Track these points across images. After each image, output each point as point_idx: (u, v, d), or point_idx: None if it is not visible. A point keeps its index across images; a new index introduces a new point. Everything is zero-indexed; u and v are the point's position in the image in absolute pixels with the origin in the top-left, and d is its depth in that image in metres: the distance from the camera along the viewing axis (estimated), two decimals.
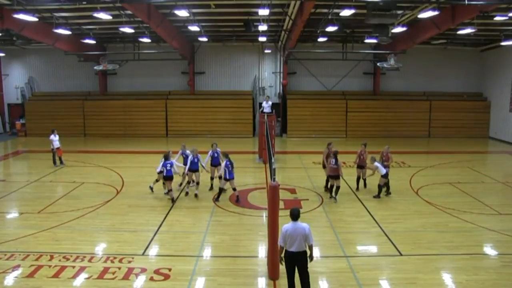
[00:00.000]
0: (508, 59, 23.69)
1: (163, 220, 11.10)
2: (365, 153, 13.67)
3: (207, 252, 9.25)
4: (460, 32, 18.59)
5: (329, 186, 13.28)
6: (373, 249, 9.60)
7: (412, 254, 8.95)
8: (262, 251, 9.20)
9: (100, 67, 23.60)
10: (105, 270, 8.16)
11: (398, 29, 17.33)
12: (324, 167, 13.68)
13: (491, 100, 26.05)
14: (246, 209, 12.09)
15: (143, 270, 8.17)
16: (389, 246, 9.43)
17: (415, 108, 26.23)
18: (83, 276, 7.93)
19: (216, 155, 13.68)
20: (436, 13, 14.24)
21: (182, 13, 15.73)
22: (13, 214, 11.87)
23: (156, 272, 8.11)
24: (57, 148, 17.59)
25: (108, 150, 21.75)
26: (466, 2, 13.20)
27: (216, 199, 12.67)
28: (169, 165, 12.40)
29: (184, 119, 26.45)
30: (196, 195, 12.92)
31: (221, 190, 12.76)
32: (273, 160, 8.92)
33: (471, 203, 12.68)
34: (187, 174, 13.19)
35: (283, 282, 7.65)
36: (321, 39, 21.10)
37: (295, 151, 21.73)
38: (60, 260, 8.53)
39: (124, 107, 26.41)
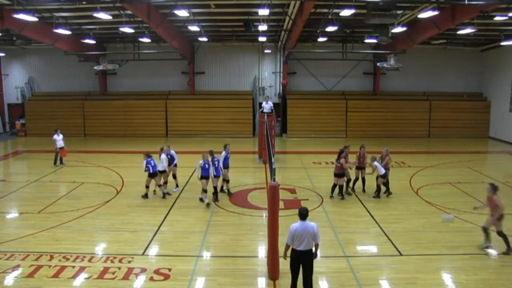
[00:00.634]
0: (508, 59, 23.69)
1: (163, 220, 11.10)
2: (365, 154, 13.58)
3: (207, 252, 9.25)
4: (460, 32, 18.59)
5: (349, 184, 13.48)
6: (373, 249, 9.60)
7: (412, 254, 8.95)
8: (262, 251, 9.20)
9: (100, 67, 23.62)
10: (105, 270, 8.16)
11: (398, 29, 17.34)
12: (357, 168, 13.60)
13: (491, 100, 26.06)
14: (246, 209, 12.09)
15: (143, 270, 8.17)
16: (389, 246, 9.43)
17: (415, 108, 26.24)
18: (83, 276, 7.93)
19: (228, 156, 13.48)
20: (436, 13, 14.24)
21: (182, 13, 15.73)
22: (13, 214, 11.87)
23: (156, 272, 8.11)
24: (61, 148, 17.60)
25: (108, 150, 21.75)
26: (466, 2, 13.21)
27: (215, 199, 12.66)
28: (152, 162, 12.57)
29: (184, 119, 26.45)
30: (208, 204, 12.18)
31: (215, 189, 12.72)
32: (273, 160, 8.92)
33: (471, 203, 12.60)
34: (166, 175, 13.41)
35: (283, 282, 7.66)
36: (321, 39, 21.11)
37: (295, 151, 21.73)
38: (60, 260, 8.53)
39: (124, 107, 26.42)
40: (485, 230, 9.21)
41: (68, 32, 18.92)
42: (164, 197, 12.99)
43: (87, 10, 16.67)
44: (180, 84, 27.52)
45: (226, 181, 13.39)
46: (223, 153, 13.25)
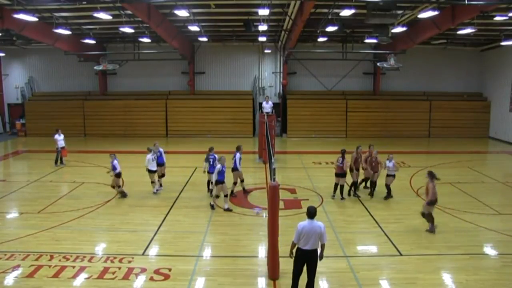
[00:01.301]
0: (508, 59, 23.69)
1: (163, 220, 11.10)
2: (376, 155, 12.91)
3: (207, 252, 9.25)
4: (460, 32, 18.58)
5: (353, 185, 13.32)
6: (373, 249, 9.60)
7: (412, 254, 8.96)
8: (262, 251, 9.20)
9: (100, 67, 23.62)
10: (105, 270, 8.16)
11: (398, 29, 17.34)
12: (351, 170, 13.12)
13: (491, 100, 26.05)
14: (246, 209, 12.09)
15: (143, 270, 8.17)
16: (389, 246, 9.43)
17: (415, 108, 26.23)
18: (83, 276, 7.93)
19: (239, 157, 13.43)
20: (436, 13, 14.24)
21: (182, 13, 15.72)
22: (13, 214, 11.87)
23: (156, 272, 8.12)
24: (62, 148, 17.62)
25: (108, 150, 21.65)
26: (466, 2, 13.20)
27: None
28: (116, 161, 12.71)
29: (184, 119, 26.44)
30: (229, 209, 11.96)
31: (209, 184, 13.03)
32: (273, 160, 8.92)
33: (471, 203, 12.68)
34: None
35: (283, 282, 7.66)
36: (321, 39, 21.10)
37: (295, 151, 21.73)
38: (60, 260, 8.53)
39: (124, 107, 26.41)
40: (423, 215, 10.21)
41: (68, 32, 18.91)
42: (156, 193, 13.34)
43: (87, 10, 16.67)
44: (180, 84, 27.51)
45: (241, 180, 13.47)
46: (238, 154, 13.25)
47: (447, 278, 7.98)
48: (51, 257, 8.65)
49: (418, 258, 8.77)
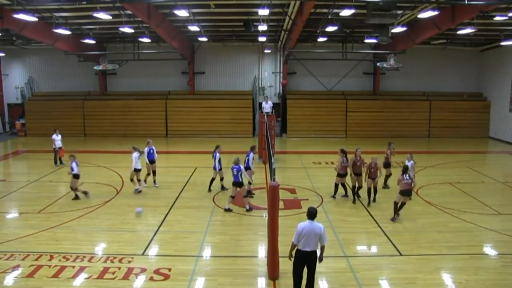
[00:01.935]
0: (508, 59, 23.69)
1: (163, 220, 11.10)
2: (376, 161, 12.25)
3: (207, 252, 9.25)
4: (460, 32, 18.58)
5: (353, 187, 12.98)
6: (373, 249, 9.60)
7: (412, 254, 8.96)
8: (262, 251, 9.20)
9: (100, 67, 23.60)
10: (105, 270, 8.16)
11: (398, 29, 17.34)
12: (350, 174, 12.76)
13: (491, 100, 26.05)
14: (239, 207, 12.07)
15: (143, 270, 8.17)
16: (389, 246, 9.43)
17: (415, 108, 26.23)
18: (83, 276, 7.93)
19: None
20: (436, 13, 14.24)
21: (182, 13, 15.72)
22: (13, 214, 11.87)
23: (156, 272, 8.11)
24: (59, 148, 17.62)
25: (108, 150, 21.76)
26: (466, 2, 13.20)
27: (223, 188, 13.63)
28: (74, 163, 12.68)
29: (184, 119, 26.44)
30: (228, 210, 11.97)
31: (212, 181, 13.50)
32: (273, 160, 8.92)
33: (471, 203, 12.68)
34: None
35: (283, 282, 7.66)
36: (321, 39, 21.11)
37: (295, 151, 21.73)
38: (60, 260, 8.53)
39: (124, 107, 26.42)
40: (396, 204, 10.96)
41: (68, 32, 18.91)
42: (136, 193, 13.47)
43: (87, 10, 16.66)
44: (180, 84, 27.51)
45: (249, 182, 12.94)
46: (251, 154, 13.25)
47: (447, 278, 7.98)
48: (51, 257, 8.65)
49: (418, 258, 8.77)
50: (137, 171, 13.48)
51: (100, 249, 9.31)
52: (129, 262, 8.52)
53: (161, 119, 26.50)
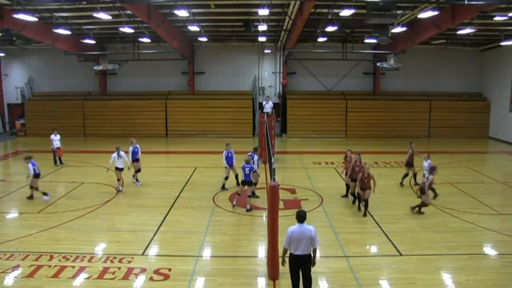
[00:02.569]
0: (508, 59, 23.68)
1: (163, 220, 11.10)
2: (368, 170, 11.48)
3: (207, 252, 9.25)
4: (460, 32, 18.58)
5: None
6: (373, 249, 9.61)
7: (412, 254, 8.95)
8: (262, 251, 9.20)
9: (100, 67, 23.61)
10: (105, 270, 8.15)
11: (398, 29, 17.33)
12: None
13: (491, 100, 26.05)
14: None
15: (143, 270, 8.17)
16: (389, 246, 9.43)
17: (415, 108, 26.23)
18: (83, 276, 7.93)
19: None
20: (436, 13, 14.24)
21: (182, 13, 15.72)
22: (13, 214, 11.87)
23: (156, 272, 8.11)
24: (58, 148, 17.61)
25: (108, 150, 21.64)
26: (466, 2, 13.20)
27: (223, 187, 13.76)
28: (31, 164, 12.61)
29: (184, 119, 26.45)
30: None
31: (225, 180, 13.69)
32: (273, 160, 8.92)
33: (471, 203, 12.67)
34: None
35: (283, 282, 7.65)
36: (321, 39, 21.09)
37: (295, 151, 21.72)
38: (60, 260, 8.53)
39: (124, 107, 26.42)
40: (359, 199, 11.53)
41: (68, 32, 18.90)
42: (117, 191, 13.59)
43: (87, 10, 16.66)
44: (180, 84, 27.51)
45: (254, 184, 12.64)
46: (255, 156, 13.17)
47: (447, 278, 7.98)
48: (51, 257, 8.64)
49: (418, 258, 8.76)
50: (118, 170, 13.64)
51: (100, 249, 9.31)
52: (129, 262, 8.51)
53: (161, 119, 26.50)
